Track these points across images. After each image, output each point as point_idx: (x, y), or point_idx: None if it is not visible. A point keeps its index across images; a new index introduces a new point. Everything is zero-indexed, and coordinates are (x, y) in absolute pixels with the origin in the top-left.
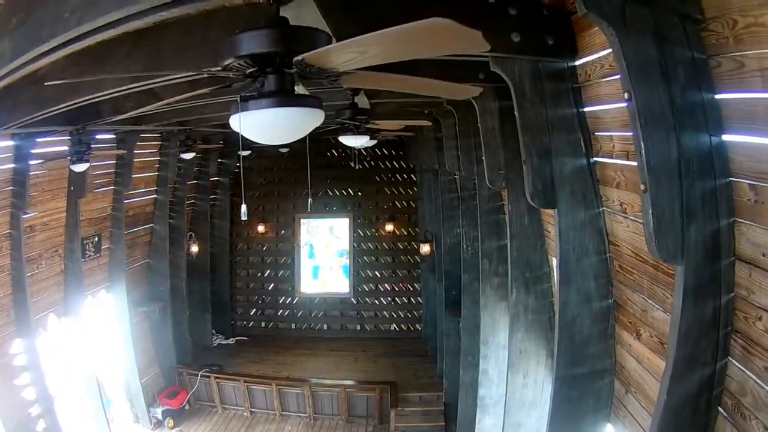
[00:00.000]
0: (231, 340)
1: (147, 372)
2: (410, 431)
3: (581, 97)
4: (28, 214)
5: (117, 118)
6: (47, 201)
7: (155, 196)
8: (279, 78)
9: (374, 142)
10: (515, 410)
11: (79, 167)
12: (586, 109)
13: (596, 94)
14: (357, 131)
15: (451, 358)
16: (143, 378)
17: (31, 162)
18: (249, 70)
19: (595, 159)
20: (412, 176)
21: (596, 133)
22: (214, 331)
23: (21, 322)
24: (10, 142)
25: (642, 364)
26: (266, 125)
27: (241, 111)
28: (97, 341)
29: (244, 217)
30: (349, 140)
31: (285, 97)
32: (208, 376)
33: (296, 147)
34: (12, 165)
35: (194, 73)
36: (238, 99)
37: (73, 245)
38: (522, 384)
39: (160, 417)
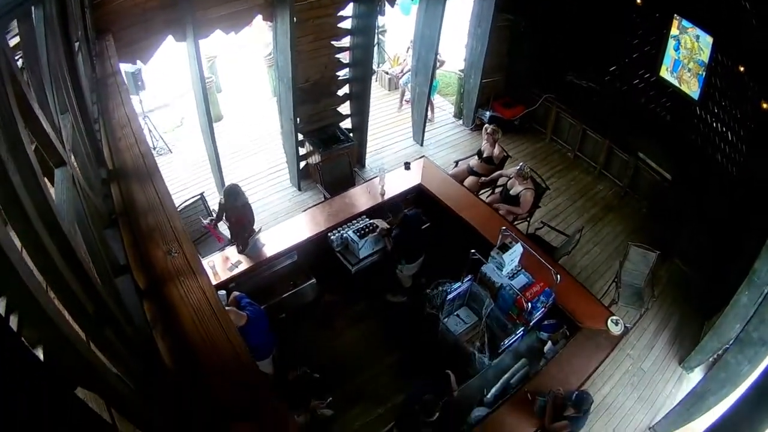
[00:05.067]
0: (583, 82)
1: (491, 75)
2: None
3: None
4: None
5: None
6: None
7: None
8: None
9: None
10: None
11: None
12: None
13: None
14: None
15: None
16: (486, 78)
17: None
18: None
19: None
20: None
21: None
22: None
23: None
24: None
25: None
26: None
27: None
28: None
29: None
30: None
31: None
32: (552, 103)
33: None
34: None
35: None
36: None
37: None
38: None
39: (485, 120)
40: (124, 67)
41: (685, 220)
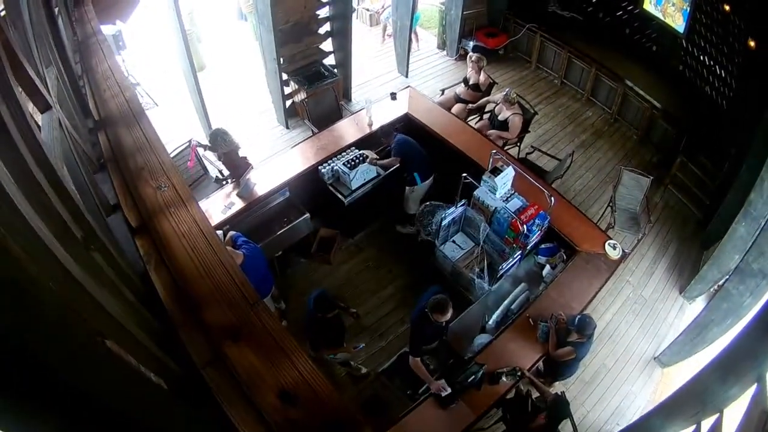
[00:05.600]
0: (566, 13)
1: (473, 6)
2: (684, 186)
3: None
4: None
5: None
6: None
7: None
8: None
9: None
10: None
11: None
12: None
13: None
14: None
15: None
16: (467, 11)
17: None
18: None
19: None
20: None
21: None
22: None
23: None
24: None
25: None
26: None
27: None
28: None
29: None
30: None
31: None
32: (535, 32)
33: None
34: None
35: None
36: None
37: None
38: None
39: (469, 50)
40: (105, 29)
41: (676, 149)
